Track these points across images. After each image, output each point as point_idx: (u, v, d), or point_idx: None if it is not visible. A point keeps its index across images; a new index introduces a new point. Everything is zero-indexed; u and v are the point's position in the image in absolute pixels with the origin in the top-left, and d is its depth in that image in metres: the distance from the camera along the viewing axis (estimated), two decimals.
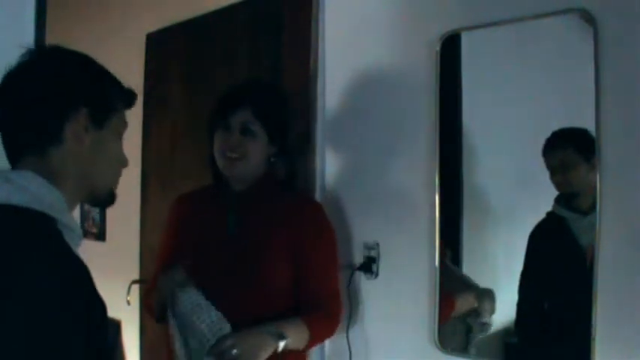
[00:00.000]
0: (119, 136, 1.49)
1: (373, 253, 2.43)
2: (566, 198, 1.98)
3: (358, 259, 2.46)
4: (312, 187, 2.57)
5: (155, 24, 3.54)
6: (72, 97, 1.39)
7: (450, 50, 2.21)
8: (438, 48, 2.22)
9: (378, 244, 2.42)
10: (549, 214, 2.01)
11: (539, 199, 2.05)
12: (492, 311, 2.17)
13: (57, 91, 1.38)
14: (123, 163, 1.51)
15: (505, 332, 2.14)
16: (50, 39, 2.08)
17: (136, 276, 3.59)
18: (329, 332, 2.28)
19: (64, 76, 1.40)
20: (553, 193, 2.00)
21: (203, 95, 3.23)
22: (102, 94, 1.44)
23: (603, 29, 1.85)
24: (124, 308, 3.37)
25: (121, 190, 1.55)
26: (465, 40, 2.20)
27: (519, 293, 2.07)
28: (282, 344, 2.05)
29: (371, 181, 2.46)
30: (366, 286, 2.45)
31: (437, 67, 2.23)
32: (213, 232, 2.23)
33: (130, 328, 3.64)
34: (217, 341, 1.98)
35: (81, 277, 1.26)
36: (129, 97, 1.53)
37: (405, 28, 2.38)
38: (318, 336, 2.20)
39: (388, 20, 2.43)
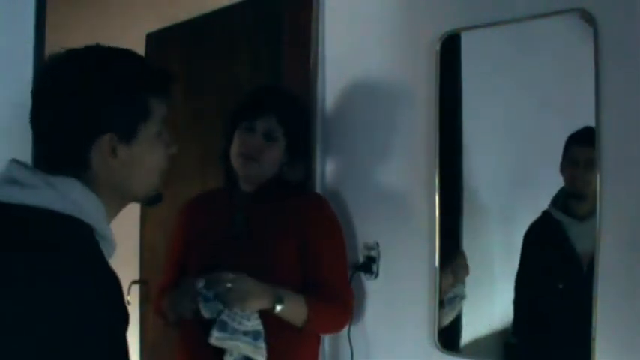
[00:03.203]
0: (156, 137, 1.44)
1: (373, 253, 2.43)
2: (564, 201, 1.98)
3: (358, 259, 2.45)
4: (312, 187, 2.57)
5: (155, 24, 3.54)
6: (92, 126, 1.35)
7: (449, 50, 2.21)
8: (437, 48, 2.22)
9: (378, 244, 2.42)
10: (545, 214, 2.01)
11: (539, 199, 2.05)
12: (461, 281, 2.21)
13: (76, 122, 1.35)
14: (162, 163, 1.48)
15: (505, 332, 2.14)
16: (50, 38, 2.09)
17: (136, 276, 3.60)
18: (336, 319, 2.27)
19: (83, 104, 1.35)
20: (552, 192, 1.99)
21: (203, 95, 3.24)
22: (127, 113, 1.39)
23: (603, 29, 1.85)
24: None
25: None
26: (465, 40, 2.20)
27: (515, 292, 2.07)
28: (278, 307, 2.07)
29: (371, 181, 2.46)
30: (367, 286, 2.45)
31: (437, 67, 2.23)
32: (221, 233, 2.25)
33: (130, 328, 3.63)
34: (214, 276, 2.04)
35: (113, 287, 1.26)
36: (164, 91, 1.47)
37: (404, 28, 2.38)
38: (318, 318, 2.17)
39: (388, 20, 2.43)
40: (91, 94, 1.35)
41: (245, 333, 2.06)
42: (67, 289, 1.18)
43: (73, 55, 1.41)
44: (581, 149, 1.92)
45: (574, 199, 1.96)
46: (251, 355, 2.07)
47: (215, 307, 2.04)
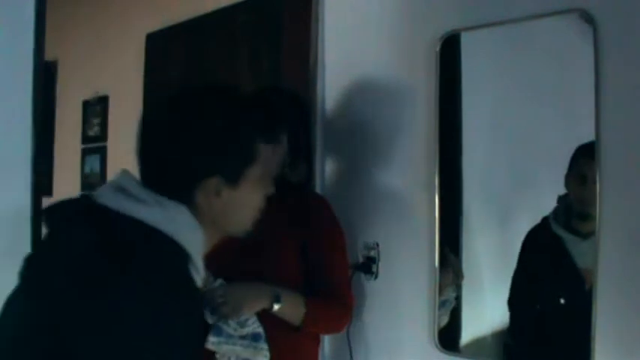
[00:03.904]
0: (259, 180, 1.48)
1: (373, 254, 2.43)
2: (567, 217, 1.97)
3: (358, 259, 2.45)
4: (312, 187, 2.56)
5: (155, 24, 3.55)
6: (201, 168, 1.38)
7: (449, 50, 2.21)
8: (437, 48, 2.22)
9: (377, 245, 2.42)
10: (545, 221, 2.01)
11: (539, 200, 2.06)
12: (452, 284, 2.22)
13: (186, 162, 1.38)
14: (260, 207, 1.53)
15: (504, 332, 2.14)
16: (50, 39, 2.09)
17: None
18: (335, 320, 2.27)
19: (195, 146, 1.38)
20: (552, 194, 1.99)
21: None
22: (236, 158, 1.42)
23: (603, 29, 1.85)
24: None
25: None
26: (465, 40, 2.20)
27: (510, 293, 2.08)
28: (276, 306, 2.06)
29: (371, 181, 2.46)
30: (366, 286, 2.45)
31: (437, 67, 2.23)
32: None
33: None
34: (208, 291, 2.02)
35: (196, 306, 1.32)
36: (272, 134, 1.55)
37: (404, 28, 2.38)
38: (316, 317, 2.17)
39: (388, 20, 2.43)
40: (205, 137, 1.38)
41: (243, 337, 2.05)
42: (162, 308, 1.20)
43: (193, 93, 1.46)
44: (587, 164, 1.89)
45: (578, 218, 1.95)
46: (252, 357, 2.06)
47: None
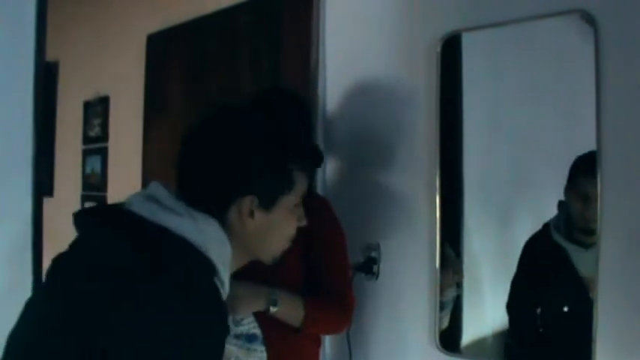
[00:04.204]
0: (294, 208, 1.50)
1: (374, 254, 2.43)
2: (568, 228, 1.97)
3: (359, 260, 2.45)
4: (313, 188, 2.56)
5: (156, 25, 3.55)
6: (238, 186, 1.40)
7: (450, 51, 2.21)
8: (438, 49, 2.22)
9: (378, 245, 2.42)
10: (545, 228, 2.00)
11: (539, 201, 2.06)
12: (453, 285, 2.23)
13: (224, 178, 1.40)
14: (291, 236, 1.54)
15: (506, 333, 2.14)
16: (51, 39, 2.09)
17: None
18: (335, 321, 2.26)
19: (234, 164, 1.40)
20: (552, 196, 1.99)
21: (204, 96, 3.24)
22: (272, 182, 1.44)
23: (604, 30, 1.85)
24: None
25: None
26: (466, 41, 2.20)
27: (509, 298, 2.08)
28: (272, 309, 2.06)
29: (372, 182, 2.46)
30: (367, 286, 2.45)
31: (437, 68, 2.23)
32: None
33: None
34: None
35: (223, 328, 1.31)
36: (311, 165, 1.55)
37: (405, 29, 2.38)
38: (316, 319, 2.16)
39: (389, 21, 2.43)
40: (246, 154, 1.40)
41: (237, 336, 2.05)
42: (182, 321, 1.21)
43: (238, 109, 1.49)
44: (590, 182, 1.88)
45: (581, 232, 1.95)
46: (244, 358, 2.06)
47: None
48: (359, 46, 2.53)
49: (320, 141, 2.60)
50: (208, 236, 1.34)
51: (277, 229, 1.49)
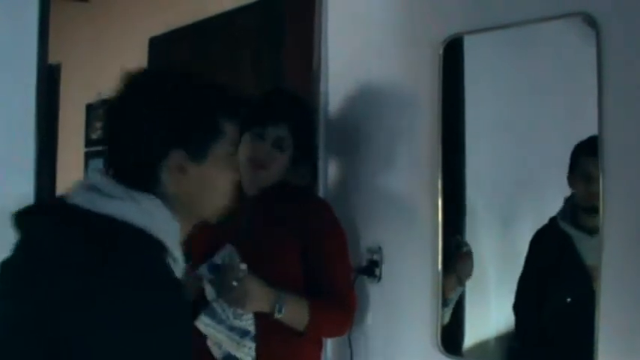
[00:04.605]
0: (226, 158, 1.45)
1: (376, 257, 2.42)
2: (574, 213, 1.97)
3: (361, 262, 2.45)
4: (315, 190, 2.57)
5: (158, 28, 3.55)
6: (163, 142, 1.37)
7: (452, 54, 2.21)
8: (440, 52, 2.22)
9: (380, 248, 2.42)
10: (552, 221, 2.00)
11: (542, 204, 2.06)
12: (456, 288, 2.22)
13: (147, 137, 1.37)
14: (231, 185, 1.49)
15: (508, 335, 2.14)
16: (53, 42, 2.09)
17: None
18: (337, 324, 2.26)
19: (155, 120, 1.37)
20: (555, 197, 1.99)
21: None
22: (198, 131, 1.41)
23: (606, 33, 1.85)
24: None
25: None
26: (468, 43, 2.20)
27: (516, 296, 2.07)
28: (278, 314, 2.06)
29: (373, 185, 2.46)
30: (369, 289, 2.45)
31: (439, 70, 2.22)
32: (225, 236, 2.23)
33: None
34: (229, 267, 2.04)
35: (181, 299, 1.30)
36: (237, 113, 1.49)
37: (408, 31, 2.38)
38: (320, 322, 2.17)
39: (391, 24, 2.43)
40: (165, 109, 1.38)
41: (230, 328, 2.06)
42: (133, 302, 1.20)
43: (151, 72, 1.47)
44: (592, 162, 1.88)
45: (585, 213, 1.95)
46: (233, 351, 2.06)
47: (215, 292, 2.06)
48: (361, 48, 2.53)
49: (322, 142, 2.60)
50: (154, 216, 1.32)
51: (214, 182, 1.44)
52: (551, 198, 2.02)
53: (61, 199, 1.35)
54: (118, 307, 1.18)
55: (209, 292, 2.07)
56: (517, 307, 2.08)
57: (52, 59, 2.12)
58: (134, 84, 1.42)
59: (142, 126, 1.37)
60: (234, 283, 2.00)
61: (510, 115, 2.15)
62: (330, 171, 2.62)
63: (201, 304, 2.08)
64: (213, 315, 2.05)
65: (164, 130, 1.37)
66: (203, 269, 2.08)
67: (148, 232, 1.30)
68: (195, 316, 2.06)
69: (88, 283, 1.20)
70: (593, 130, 1.87)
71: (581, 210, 1.96)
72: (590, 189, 1.90)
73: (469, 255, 2.20)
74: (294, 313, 2.10)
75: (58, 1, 2.55)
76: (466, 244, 2.21)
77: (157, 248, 1.31)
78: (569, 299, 2.00)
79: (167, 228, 1.34)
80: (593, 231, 1.89)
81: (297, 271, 2.20)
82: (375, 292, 2.45)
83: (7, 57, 1.99)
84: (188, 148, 1.38)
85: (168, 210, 1.36)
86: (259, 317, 2.07)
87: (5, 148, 2.01)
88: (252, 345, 2.07)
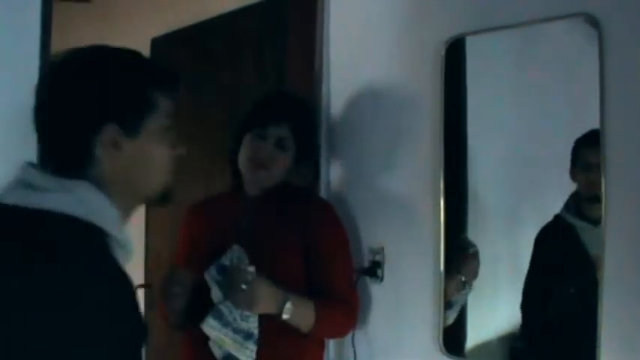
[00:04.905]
0: (161, 133, 1.41)
1: (378, 258, 2.42)
2: (577, 204, 1.97)
3: (363, 263, 2.45)
4: (317, 191, 2.56)
5: (160, 29, 3.55)
6: (94, 117, 1.33)
7: (455, 55, 2.21)
8: (442, 52, 2.22)
9: (383, 249, 2.42)
10: (557, 218, 2.00)
11: (544, 204, 2.06)
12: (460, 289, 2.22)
13: (77, 113, 1.33)
14: (170, 161, 1.45)
15: (510, 336, 2.13)
16: (55, 43, 2.09)
17: (141, 280, 3.59)
18: (341, 324, 2.27)
19: (83, 95, 1.34)
20: (559, 197, 1.99)
21: (207, 100, 3.24)
22: (129, 104, 1.36)
23: (608, 33, 1.85)
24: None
25: None
26: (470, 44, 2.20)
27: (524, 296, 2.06)
28: (285, 316, 2.07)
29: (376, 185, 2.46)
30: (371, 290, 2.45)
31: (442, 71, 2.22)
32: (227, 237, 2.24)
33: None
34: (237, 269, 2.04)
35: (127, 292, 1.26)
36: (170, 86, 1.45)
37: (409, 32, 2.38)
38: (326, 323, 2.17)
39: (393, 25, 2.43)
40: (91, 84, 1.34)
41: (236, 331, 2.05)
42: (77, 299, 1.17)
43: (76, 51, 1.41)
44: (592, 153, 1.89)
45: (588, 203, 1.95)
46: (235, 353, 2.06)
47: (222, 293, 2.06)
48: (363, 49, 2.53)
49: (324, 143, 2.60)
50: (89, 203, 1.28)
51: (150, 157, 1.40)
52: (554, 197, 2.02)
53: None
54: (62, 308, 1.16)
55: (215, 294, 2.07)
56: (524, 306, 2.07)
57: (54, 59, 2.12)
58: (60, 63, 1.39)
59: (71, 102, 1.33)
60: (244, 287, 1.99)
61: (512, 116, 2.15)
62: (332, 171, 2.62)
63: (203, 306, 2.08)
64: (219, 317, 2.05)
65: (93, 104, 1.33)
66: (212, 271, 2.08)
67: (85, 221, 1.27)
68: (200, 318, 2.06)
69: (26, 282, 1.18)
70: (595, 131, 1.87)
71: (584, 200, 1.97)
72: (591, 178, 1.91)
73: (475, 256, 2.20)
74: (300, 314, 2.10)
75: (60, 2, 2.55)
76: (473, 245, 2.21)
77: (98, 236, 1.28)
78: (573, 290, 2.00)
79: (104, 213, 1.31)
80: (596, 221, 1.89)
81: (299, 272, 2.20)
82: (378, 293, 2.45)
83: (9, 57, 1.99)
84: (121, 123, 1.34)
85: (104, 193, 1.32)
86: (263, 318, 2.07)
87: (6, 148, 2.00)
88: (254, 348, 2.07)
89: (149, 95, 1.39)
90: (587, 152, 1.93)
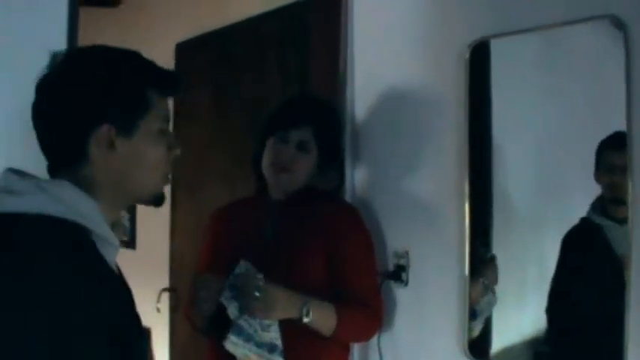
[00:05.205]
0: (157, 134, 1.40)
1: (403, 262, 2.42)
2: (603, 205, 1.96)
3: (388, 267, 2.45)
4: (342, 194, 2.56)
5: (184, 34, 3.57)
6: (89, 116, 1.33)
7: (479, 58, 2.20)
8: (467, 56, 2.21)
9: (407, 253, 2.41)
10: (583, 220, 1.99)
11: (570, 207, 2.04)
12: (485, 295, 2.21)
13: (73, 112, 1.34)
14: (165, 163, 1.43)
15: (535, 341, 2.12)
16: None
17: (165, 284, 3.62)
18: (365, 328, 2.27)
19: (79, 94, 1.34)
20: (584, 200, 1.98)
21: (231, 103, 3.26)
22: (125, 104, 1.36)
23: (634, 35, 1.83)
24: (154, 316, 3.39)
25: None
26: (494, 47, 2.19)
27: (549, 299, 2.05)
28: (306, 319, 2.06)
29: (400, 189, 2.45)
30: (396, 294, 2.45)
31: (466, 74, 2.22)
32: (251, 241, 2.25)
33: (159, 335, 3.66)
34: (246, 278, 2.03)
35: (111, 289, 1.25)
36: (167, 85, 1.44)
37: (433, 35, 2.37)
38: (347, 326, 2.17)
39: (417, 28, 2.42)
40: (88, 83, 1.34)
41: (259, 344, 2.04)
42: (57, 291, 1.17)
43: (75, 50, 1.42)
44: (616, 155, 1.88)
45: (613, 204, 1.94)
46: None
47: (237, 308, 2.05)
48: (387, 53, 2.53)
49: (348, 146, 2.60)
50: (66, 201, 1.27)
51: (144, 158, 1.39)
52: (580, 200, 2.00)
53: None
54: (30, 303, 1.15)
55: (232, 311, 2.05)
56: (550, 310, 2.06)
57: None
58: (59, 63, 1.40)
59: (66, 101, 1.34)
60: (257, 294, 1.99)
61: (537, 118, 2.14)
62: (357, 175, 2.62)
63: (223, 326, 2.07)
64: (240, 332, 2.03)
65: (88, 103, 1.33)
66: (225, 292, 2.07)
67: (62, 218, 1.25)
68: (220, 338, 2.06)
69: (5, 295, 1.17)
70: (622, 134, 1.85)
71: (609, 202, 1.95)
72: (615, 180, 1.90)
73: (493, 261, 2.19)
74: (321, 316, 2.10)
75: (86, 7, 2.57)
76: (489, 251, 2.20)
77: (77, 233, 1.27)
78: (599, 293, 1.98)
79: (82, 208, 1.29)
80: (623, 221, 1.87)
81: (323, 276, 2.20)
82: (402, 297, 2.44)
83: (36, 63, 2.01)
84: (115, 122, 1.34)
85: (95, 191, 1.32)
86: (285, 324, 2.07)
87: (34, 157, 2.02)
88: (281, 359, 2.06)
89: (145, 95, 1.38)
90: (611, 154, 1.91)
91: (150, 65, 1.42)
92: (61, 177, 1.34)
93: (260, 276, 2.02)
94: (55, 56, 1.40)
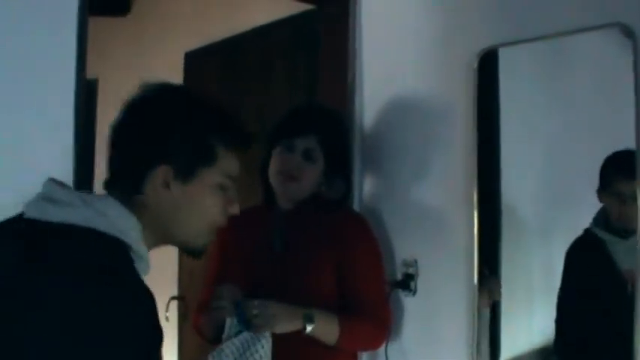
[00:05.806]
0: (214, 187, 1.43)
1: (411, 271, 2.42)
2: (606, 220, 1.95)
3: (396, 276, 2.45)
4: (350, 204, 2.56)
5: (193, 43, 3.58)
6: (152, 153, 1.38)
7: (487, 66, 2.20)
8: (475, 64, 2.21)
9: (416, 262, 2.41)
10: (587, 231, 1.98)
11: (579, 217, 2.04)
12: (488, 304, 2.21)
13: (140, 144, 1.39)
14: (214, 217, 1.46)
15: (544, 350, 2.12)
16: (91, 59, 2.12)
17: (174, 292, 3.62)
18: (371, 337, 2.26)
19: (150, 129, 1.39)
20: (592, 209, 1.98)
21: (240, 112, 3.26)
22: (188, 151, 1.39)
23: None
24: (162, 324, 3.39)
25: None
26: (503, 56, 2.19)
27: (557, 311, 2.05)
28: (308, 328, 2.05)
29: (409, 197, 2.45)
30: (405, 303, 2.44)
31: (474, 83, 2.22)
32: (259, 250, 2.25)
33: (168, 344, 3.66)
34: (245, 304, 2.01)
35: (149, 307, 1.26)
36: (235, 141, 1.46)
37: (442, 44, 2.38)
38: (350, 335, 2.16)
39: (425, 37, 2.43)
40: (155, 124, 1.40)
41: None
42: (103, 309, 1.18)
43: (155, 86, 1.45)
44: (625, 182, 1.87)
45: (620, 224, 1.92)
46: None
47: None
48: (395, 62, 2.53)
49: (357, 155, 2.60)
50: (110, 216, 1.30)
51: (196, 205, 1.41)
52: (587, 209, 2.00)
53: (19, 214, 1.34)
54: (72, 315, 1.16)
55: (232, 326, 2.05)
56: (558, 321, 2.05)
57: (89, 74, 2.15)
58: (138, 96, 1.44)
59: (134, 136, 1.40)
60: (255, 312, 1.98)
61: (546, 127, 2.14)
62: (365, 184, 2.62)
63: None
64: (219, 354, 2.01)
65: (152, 143, 1.38)
66: (233, 322, 2.05)
67: (104, 232, 1.28)
68: None
69: (38, 299, 1.18)
70: (629, 143, 1.85)
71: (615, 220, 1.94)
72: (623, 210, 1.89)
73: (493, 278, 2.20)
74: (324, 326, 2.10)
75: (96, 17, 2.58)
76: (486, 270, 2.20)
77: (116, 246, 1.29)
78: (606, 305, 1.98)
79: (125, 224, 1.32)
80: (627, 235, 1.87)
81: (331, 285, 2.20)
82: (411, 306, 2.44)
83: (46, 72, 2.02)
84: (175, 165, 1.37)
85: (125, 208, 1.34)
86: (291, 332, 2.06)
87: (44, 162, 2.03)
88: None
89: (210, 145, 1.42)
90: (620, 182, 1.90)
91: (221, 117, 1.46)
92: (113, 194, 1.37)
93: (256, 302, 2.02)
94: (143, 85, 1.43)
